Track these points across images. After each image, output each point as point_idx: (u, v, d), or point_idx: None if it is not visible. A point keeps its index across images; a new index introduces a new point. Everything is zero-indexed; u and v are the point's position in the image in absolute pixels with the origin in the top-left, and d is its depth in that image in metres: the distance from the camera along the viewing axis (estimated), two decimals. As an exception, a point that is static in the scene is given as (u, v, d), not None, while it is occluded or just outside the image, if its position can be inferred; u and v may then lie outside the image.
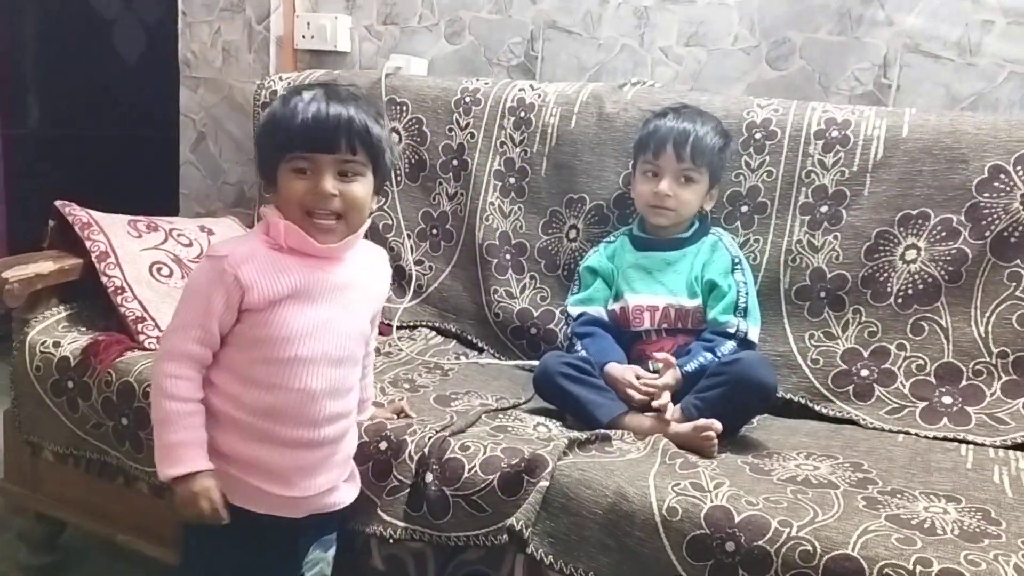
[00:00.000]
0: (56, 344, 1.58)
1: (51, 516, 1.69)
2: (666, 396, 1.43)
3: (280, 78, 2.11)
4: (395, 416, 1.39)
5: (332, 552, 1.27)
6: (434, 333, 1.89)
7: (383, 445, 1.30)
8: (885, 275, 1.58)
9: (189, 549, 1.24)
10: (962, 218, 1.54)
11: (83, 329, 1.64)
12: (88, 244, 1.66)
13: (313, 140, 1.13)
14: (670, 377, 1.47)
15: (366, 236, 1.23)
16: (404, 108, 1.97)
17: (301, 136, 1.13)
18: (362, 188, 1.16)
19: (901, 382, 1.55)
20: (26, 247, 1.72)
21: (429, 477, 1.26)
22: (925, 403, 1.52)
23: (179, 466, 1.12)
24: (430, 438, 1.29)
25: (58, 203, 1.72)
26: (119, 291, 1.63)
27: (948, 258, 1.54)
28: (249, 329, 1.14)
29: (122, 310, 1.61)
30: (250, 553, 1.18)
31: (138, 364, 1.49)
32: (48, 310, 1.66)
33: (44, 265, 1.63)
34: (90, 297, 1.68)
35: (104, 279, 1.63)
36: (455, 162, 1.93)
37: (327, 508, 1.21)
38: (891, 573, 1.01)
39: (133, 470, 1.49)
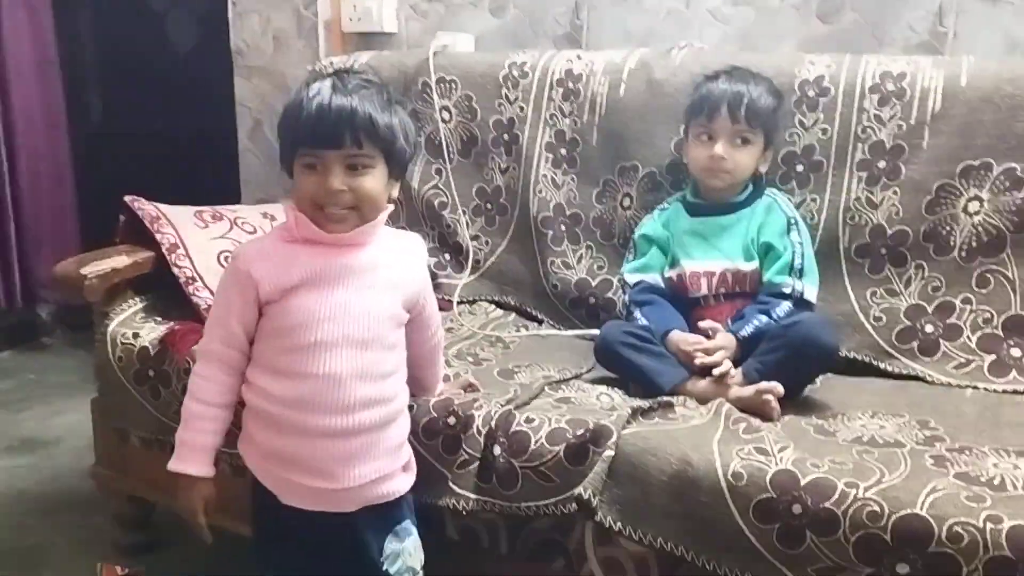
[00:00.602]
0: (135, 335, 1.64)
1: (141, 497, 1.78)
2: (727, 363, 1.43)
3: (331, 63, 2.14)
4: (462, 391, 1.41)
5: (411, 541, 1.24)
6: (494, 307, 1.92)
7: (451, 420, 1.34)
8: (947, 229, 1.56)
9: (256, 556, 1.26)
10: (1027, 166, 1.51)
11: (159, 319, 1.70)
12: (158, 237, 1.72)
13: (317, 136, 1.13)
14: (722, 339, 1.48)
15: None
16: (453, 85, 1.99)
17: (306, 132, 1.14)
18: (373, 180, 1.15)
19: (968, 336, 1.53)
20: (97, 243, 1.79)
21: (497, 450, 1.29)
22: (993, 356, 1.50)
23: (179, 463, 1.20)
24: (496, 412, 1.33)
25: (127, 198, 1.78)
26: (190, 281, 1.69)
27: (1013, 208, 1.51)
28: (270, 321, 1.17)
29: (194, 299, 1.67)
30: (312, 552, 1.19)
31: (213, 351, 1.55)
32: (125, 302, 1.72)
33: (119, 259, 1.70)
34: (163, 288, 1.74)
35: (175, 270, 1.69)
36: (506, 136, 1.95)
37: (381, 499, 1.20)
38: (961, 531, 1.02)
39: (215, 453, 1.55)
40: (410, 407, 1.35)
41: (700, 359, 1.45)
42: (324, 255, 1.16)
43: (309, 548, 1.20)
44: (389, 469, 1.21)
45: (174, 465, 1.20)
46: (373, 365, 1.18)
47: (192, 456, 1.20)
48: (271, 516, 1.21)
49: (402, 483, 1.23)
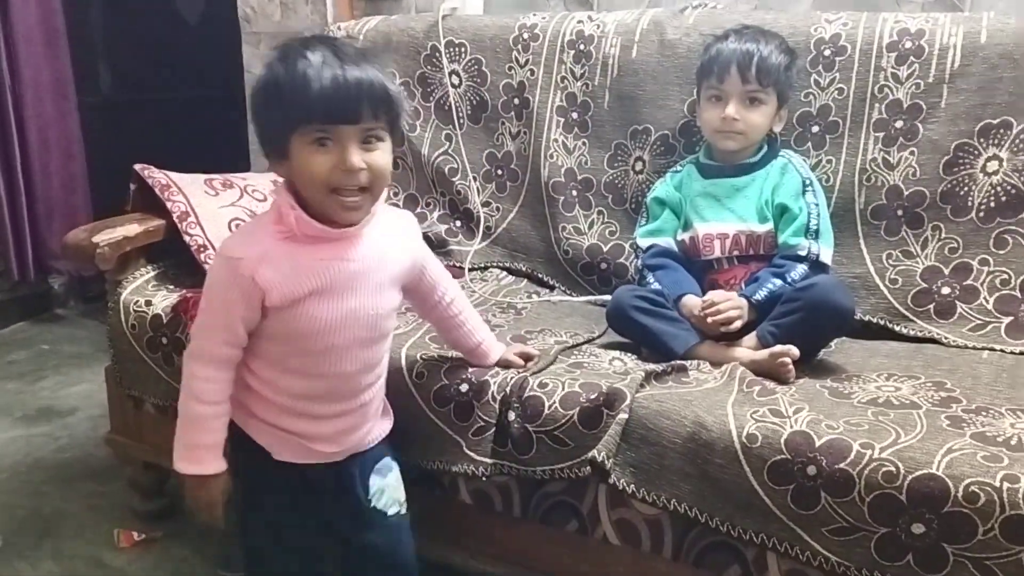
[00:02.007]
0: (148, 303, 1.65)
1: (156, 464, 1.79)
2: (738, 323, 1.43)
3: (339, 27, 2.12)
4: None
5: (393, 475, 1.29)
6: (505, 273, 1.91)
7: (464, 387, 1.34)
8: (965, 189, 1.54)
9: (242, 509, 1.27)
10: (1047, 125, 1.48)
11: (171, 287, 1.70)
12: (169, 205, 1.72)
13: (335, 111, 1.05)
14: (731, 305, 1.46)
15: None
16: (463, 49, 1.97)
17: (320, 106, 1.05)
18: (384, 155, 1.10)
19: (984, 298, 1.51)
20: (108, 212, 1.79)
21: (512, 415, 1.29)
22: (1010, 318, 1.48)
23: (196, 467, 1.18)
24: (511, 378, 1.32)
25: (137, 167, 1.78)
26: (202, 249, 1.69)
27: (1033, 167, 1.49)
28: (278, 324, 1.14)
29: (206, 267, 1.67)
30: (301, 498, 1.24)
31: (225, 318, 1.55)
32: (137, 271, 1.73)
33: (130, 228, 1.70)
34: (175, 255, 1.74)
35: (187, 238, 1.69)
36: (516, 101, 1.93)
37: (365, 446, 1.26)
38: (977, 491, 1.01)
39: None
40: (419, 374, 1.36)
41: (712, 320, 1.44)
42: (332, 256, 1.13)
43: (298, 495, 1.23)
44: (375, 423, 1.28)
45: (189, 468, 1.18)
46: (375, 355, 1.23)
47: (207, 456, 1.18)
48: (258, 469, 1.22)
49: (382, 428, 1.29)
